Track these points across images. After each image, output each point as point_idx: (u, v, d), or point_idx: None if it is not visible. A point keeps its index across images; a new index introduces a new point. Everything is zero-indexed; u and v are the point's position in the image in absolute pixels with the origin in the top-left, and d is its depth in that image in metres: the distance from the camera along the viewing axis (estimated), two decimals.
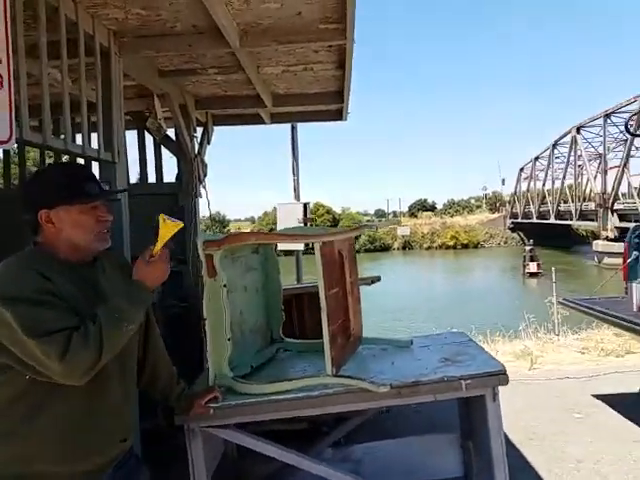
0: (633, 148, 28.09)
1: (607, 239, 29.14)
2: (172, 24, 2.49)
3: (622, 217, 28.77)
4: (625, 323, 2.86)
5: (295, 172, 5.32)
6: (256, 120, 4.73)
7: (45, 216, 1.21)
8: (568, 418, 3.34)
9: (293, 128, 5.45)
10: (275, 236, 1.91)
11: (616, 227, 28.61)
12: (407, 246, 50.03)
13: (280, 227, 5.00)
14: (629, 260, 3.52)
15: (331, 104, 4.19)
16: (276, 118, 4.77)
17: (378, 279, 3.51)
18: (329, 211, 54.15)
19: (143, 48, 2.69)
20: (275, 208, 5.70)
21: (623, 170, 28.65)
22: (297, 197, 5.30)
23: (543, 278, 27.48)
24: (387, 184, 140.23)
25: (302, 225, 4.94)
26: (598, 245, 29.95)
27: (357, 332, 2.28)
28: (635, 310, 2.97)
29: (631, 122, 3.97)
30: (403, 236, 47.95)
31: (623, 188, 30.18)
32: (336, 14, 2.57)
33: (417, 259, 39.63)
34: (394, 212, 78.69)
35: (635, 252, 3.47)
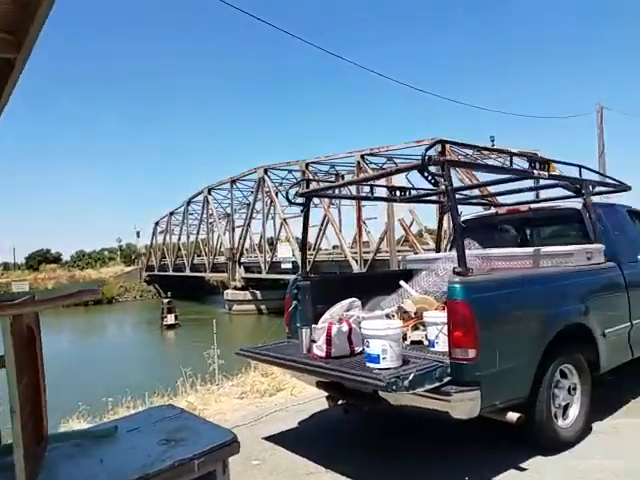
0: (254, 212, 33.64)
1: (235, 288, 33.30)
2: None
3: (247, 269, 33.68)
4: (299, 365, 3.31)
5: None
6: None
7: None
8: (247, 466, 3.44)
9: None
10: None
11: (243, 277, 33.14)
12: None
13: None
14: (290, 309, 4.13)
15: None
16: None
17: None
18: None
19: None
20: None
21: (247, 229, 33.83)
22: None
23: (181, 329, 28.76)
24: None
25: None
26: (228, 294, 33.77)
27: (46, 431, 1.78)
28: (305, 352, 3.48)
29: (292, 190, 4.88)
30: (19, 294, 40.57)
31: (247, 244, 35.51)
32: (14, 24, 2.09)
33: (40, 319, 34.09)
34: (5, 264, 66.41)
35: (294, 301, 4.11)
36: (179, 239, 46.06)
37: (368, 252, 22.17)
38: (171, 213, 47.86)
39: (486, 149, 4.94)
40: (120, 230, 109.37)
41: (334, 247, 32.93)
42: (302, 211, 4.41)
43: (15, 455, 1.34)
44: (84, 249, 68.22)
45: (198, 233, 42.63)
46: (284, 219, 28.38)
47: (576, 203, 4.34)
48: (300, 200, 4.34)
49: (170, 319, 29.20)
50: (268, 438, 3.97)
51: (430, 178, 3.16)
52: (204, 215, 40.43)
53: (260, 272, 30.76)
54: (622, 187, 4.92)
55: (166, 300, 30.38)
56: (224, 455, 1.75)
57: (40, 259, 64.17)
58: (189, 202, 43.47)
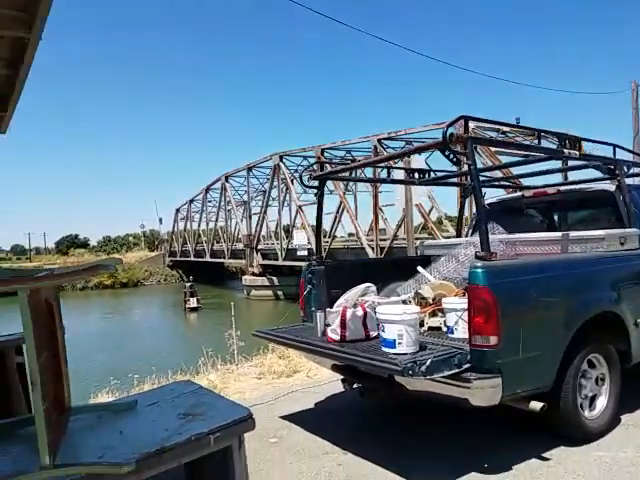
0: (270, 199, 33.68)
1: (253, 274, 33.58)
2: None
3: (264, 255, 33.88)
4: (314, 348, 3.30)
5: None
6: None
7: None
8: (265, 443, 3.53)
9: None
10: None
11: (260, 264, 33.37)
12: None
13: None
14: (305, 293, 4.12)
15: None
16: None
17: None
18: None
19: None
20: None
21: (263, 216, 33.94)
22: None
23: (203, 312, 29.33)
24: (28, 217, 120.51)
25: None
26: (246, 280, 34.11)
27: (68, 403, 1.79)
28: (320, 335, 3.47)
29: (305, 175, 4.86)
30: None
31: (263, 231, 35.65)
32: (25, 1, 2.08)
33: (71, 301, 35.20)
34: (37, 249, 68.41)
35: (309, 286, 4.09)
36: (199, 226, 46.66)
37: (385, 239, 21.97)
38: (191, 200, 48.30)
39: (513, 126, 4.76)
40: (144, 216, 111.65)
41: (350, 235, 32.84)
42: (316, 195, 4.36)
43: (36, 425, 1.35)
44: (110, 235, 69.84)
45: (217, 220, 42.98)
46: (299, 206, 28.31)
47: (608, 185, 4.16)
48: (314, 183, 4.28)
49: (192, 302, 29.76)
50: (285, 417, 4.02)
51: (452, 157, 3.06)
52: (222, 202, 40.63)
53: (277, 259, 30.88)
54: None
55: (188, 284, 30.87)
56: (240, 431, 1.75)
57: (69, 244, 65.89)
58: (207, 189, 43.73)
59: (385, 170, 4.94)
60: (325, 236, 25.11)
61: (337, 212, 25.81)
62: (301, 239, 26.89)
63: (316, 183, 4.30)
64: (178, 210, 52.67)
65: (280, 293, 32.15)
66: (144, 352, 14.91)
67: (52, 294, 1.71)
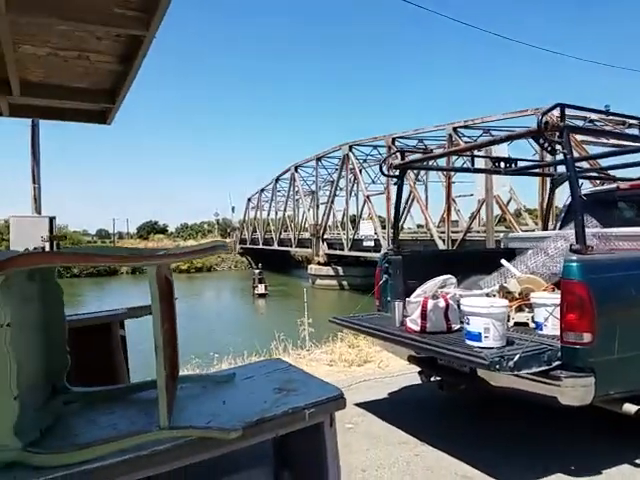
0: (338, 189, 33.85)
1: (319, 263, 34.01)
2: None
3: (330, 245, 34.20)
4: (393, 337, 3.32)
5: (36, 179, 4.28)
6: None
7: None
8: (341, 429, 3.59)
9: (34, 126, 4.42)
10: (91, 257, 1.45)
11: (326, 253, 33.72)
12: (137, 270, 47.19)
13: (16, 246, 3.95)
14: (380, 282, 4.13)
15: (101, 103, 3.58)
16: (19, 111, 3.80)
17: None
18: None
19: None
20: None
21: (330, 206, 34.19)
22: (38, 209, 4.27)
23: (269, 298, 30.25)
24: (112, 202, 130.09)
25: (48, 243, 4.03)
26: (312, 269, 34.61)
27: (177, 372, 1.95)
28: (397, 325, 3.48)
29: (383, 164, 4.87)
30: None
31: (330, 221, 35.98)
32: (145, 2, 2.24)
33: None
34: (119, 233, 73.52)
35: (385, 275, 4.10)
36: (268, 214, 47.92)
37: (457, 232, 21.35)
38: (261, 190, 49.72)
39: (612, 114, 4.45)
40: (218, 205, 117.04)
41: (418, 226, 32.21)
42: (396, 184, 4.33)
43: (158, 387, 1.49)
44: (187, 222, 73.75)
45: (285, 209, 43.90)
46: (367, 196, 28.17)
47: None
48: (387, 172, 4.24)
49: (261, 289, 30.76)
50: (359, 405, 4.06)
51: (547, 146, 2.93)
52: (291, 192, 41.40)
53: (342, 249, 31.04)
54: None
55: (257, 271, 31.90)
56: (331, 408, 1.81)
57: (149, 229, 70.34)
58: (277, 179, 44.74)
59: (458, 159, 4.81)
60: (392, 227, 24.81)
61: (406, 202, 25.42)
62: (368, 230, 26.80)
63: (388, 172, 4.27)
64: (249, 199, 54.45)
65: (345, 283, 32.31)
66: (217, 333, 15.65)
67: (169, 272, 1.85)
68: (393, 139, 24.88)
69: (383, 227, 25.97)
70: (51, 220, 4.11)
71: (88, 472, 1.36)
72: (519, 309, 3.44)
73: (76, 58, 2.84)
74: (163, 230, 72.18)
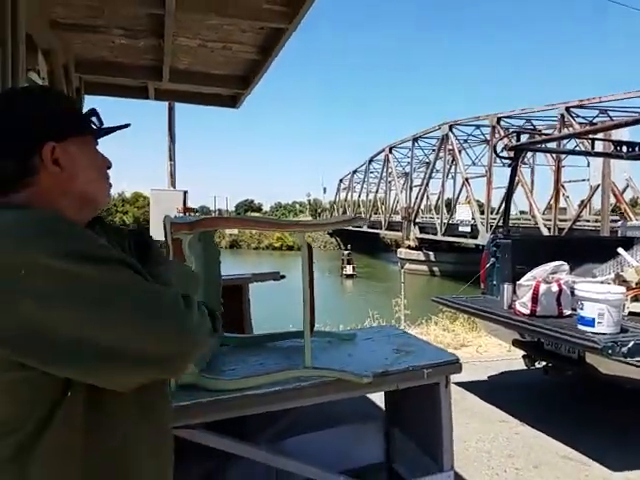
0: (434, 171, 32.93)
1: (409, 247, 33.53)
2: None
3: (422, 229, 33.48)
4: (500, 319, 3.38)
5: (172, 156, 4.86)
6: (137, 94, 4.23)
7: (52, 153, 0.78)
8: None
9: (171, 109, 5.00)
10: (259, 223, 1.75)
11: (417, 237, 33.12)
12: (235, 245, 50.09)
13: (155, 216, 4.54)
14: (487, 265, 4.15)
15: (233, 88, 3.99)
16: (162, 95, 4.34)
17: (283, 276, 3.46)
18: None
19: None
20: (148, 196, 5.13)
21: (425, 189, 33.41)
22: (173, 184, 4.86)
23: (357, 279, 30.59)
24: (214, 181, 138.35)
25: (182, 215, 4.57)
26: (402, 252, 34.14)
27: (314, 325, 2.25)
28: (506, 307, 3.52)
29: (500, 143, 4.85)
30: (231, 235, 47.81)
31: (423, 204, 35.15)
32: None
33: (247, 258, 39.98)
34: (219, 210, 78.25)
35: (492, 259, 4.11)
36: (359, 196, 48.10)
37: (564, 220, 19.91)
38: (354, 171, 49.94)
39: None
40: (310, 186, 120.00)
41: (521, 212, 30.43)
42: (509, 165, 4.28)
43: (304, 334, 1.77)
44: (280, 201, 76.82)
45: (377, 191, 43.72)
46: (466, 179, 27.07)
47: None
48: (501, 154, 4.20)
49: (349, 269, 31.33)
50: (458, 384, 4.16)
51: None
52: (384, 173, 41.08)
53: (435, 233, 30.27)
54: None
55: (346, 252, 32.44)
56: (448, 371, 1.98)
57: (246, 208, 74.32)
58: (370, 160, 44.58)
59: (569, 142, 4.58)
60: (492, 212, 23.75)
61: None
62: (465, 214, 25.81)
63: (511, 154, 4.21)
64: (341, 180, 54.99)
65: (435, 269, 31.54)
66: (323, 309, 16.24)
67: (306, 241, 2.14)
68: (498, 118, 23.52)
69: (481, 212, 24.89)
70: (185, 194, 4.67)
71: (248, 397, 1.69)
72: (635, 299, 3.32)
73: (221, 49, 3.21)
74: (258, 209, 75.63)
